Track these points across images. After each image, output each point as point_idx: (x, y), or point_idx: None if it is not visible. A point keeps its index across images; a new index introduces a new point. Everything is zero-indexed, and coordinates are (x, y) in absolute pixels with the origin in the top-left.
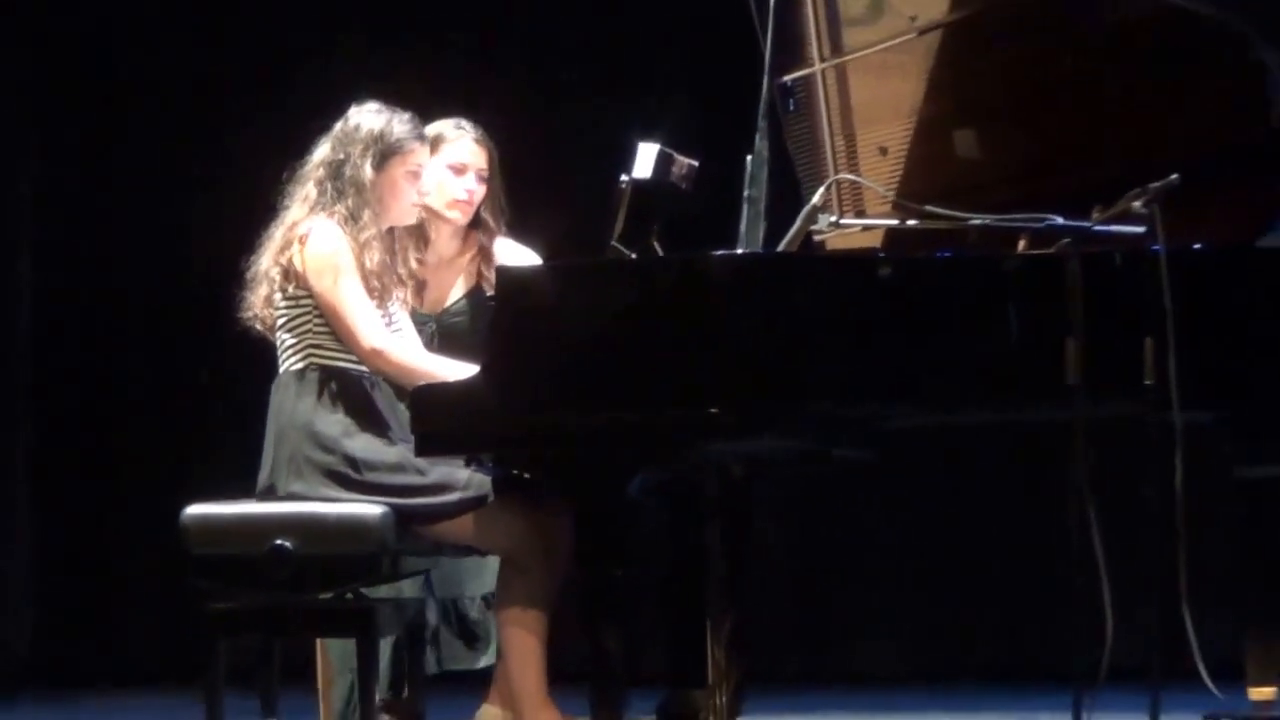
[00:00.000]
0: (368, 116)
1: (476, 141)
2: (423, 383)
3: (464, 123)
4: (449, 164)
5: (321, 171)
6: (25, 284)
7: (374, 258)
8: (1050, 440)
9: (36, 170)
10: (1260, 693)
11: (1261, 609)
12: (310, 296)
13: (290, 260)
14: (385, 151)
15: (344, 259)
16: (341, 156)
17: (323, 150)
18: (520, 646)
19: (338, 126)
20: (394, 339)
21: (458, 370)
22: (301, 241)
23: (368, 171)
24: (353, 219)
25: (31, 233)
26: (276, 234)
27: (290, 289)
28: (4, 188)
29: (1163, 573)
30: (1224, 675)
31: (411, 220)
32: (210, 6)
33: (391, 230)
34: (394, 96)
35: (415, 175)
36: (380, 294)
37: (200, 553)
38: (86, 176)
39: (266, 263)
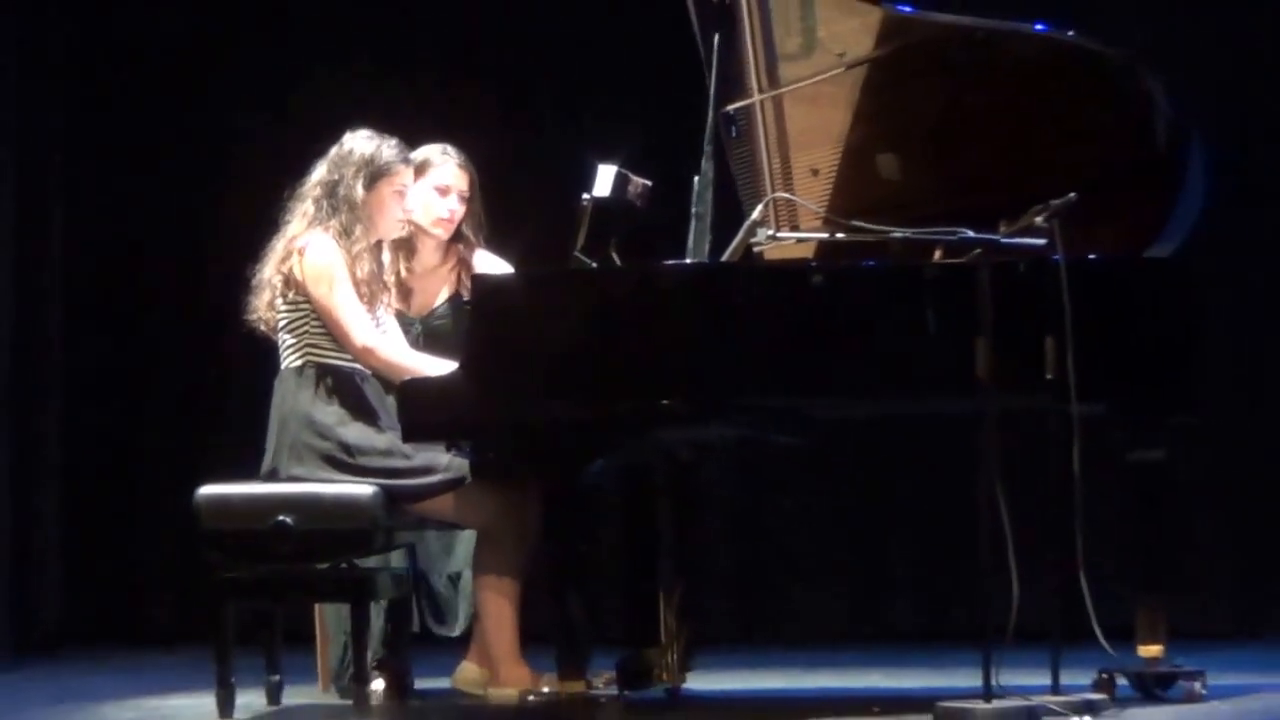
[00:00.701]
0: (360, 142)
1: (460, 166)
2: (408, 377)
3: (449, 149)
4: (435, 186)
5: (319, 190)
6: (57, 292)
7: (364, 267)
8: (963, 428)
9: (69, 189)
10: (1148, 650)
11: (1148, 577)
12: (308, 302)
13: (290, 270)
14: (375, 174)
15: (338, 269)
16: (336, 177)
17: (320, 172)
18: (495, 610)
19: (333, 151)
20: (383, 338)
21: (439, 366)
22: (300, 253)
23: (359, 191)
24: (346, 233)
25: (62, 244)
26: (278, 246)
27: (290, 295)
28: (37, 205)
29: (1063, 545)
30: (1117, 635)
31: (397, 234)
32: (223, 46)
33: (379, 243)
34: (383, 122)
35: (400, 194)
36: (369, 299)
37: (211, 528)
38: (113, 195)
39: (269, 272)
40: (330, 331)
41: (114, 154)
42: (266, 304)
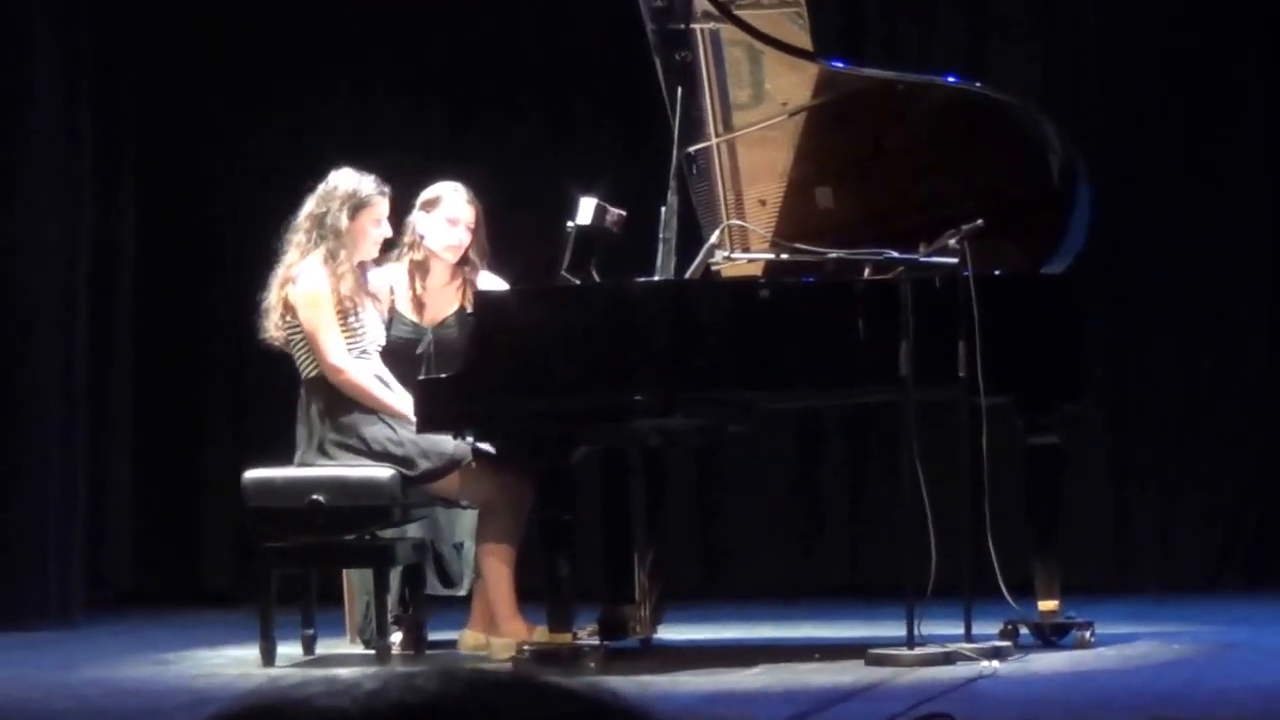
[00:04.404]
0: (343, 179)
1: (467, 201)
2: (365, 401)
3: (459, 186)
4: (446, 217)
5: (309, 222)
6: (128, 294)
7: (347, 285)
8: (888, 416)
9: (139, 203)
10: (1046, 604)
11: (1043, 541)
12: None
13: (286, 296)
14: (357, 205)
15: (322, 296)
16: (324, 210)
17: (309, 206)
18: (495, 573)
19: (320, 187)
20: (355, 363)
21: (396, 397)
22: (293, 282)
23: (344, 221)
24: (332, 257)
25: (134, 253)
26: (279, 273)
27: (289, 318)
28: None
29: (973, 514)
30: (1019, 591)
31: (376, 254)
32: (259, 87)
33: (363, 264)
34: (403, 161)
35: (378, 222)
36: (353, 308)
37: (257, 505)
38: (177, 210)
39: (273, 298)
40: (310, 348)
41: (181, 166)
42: (274, 325)
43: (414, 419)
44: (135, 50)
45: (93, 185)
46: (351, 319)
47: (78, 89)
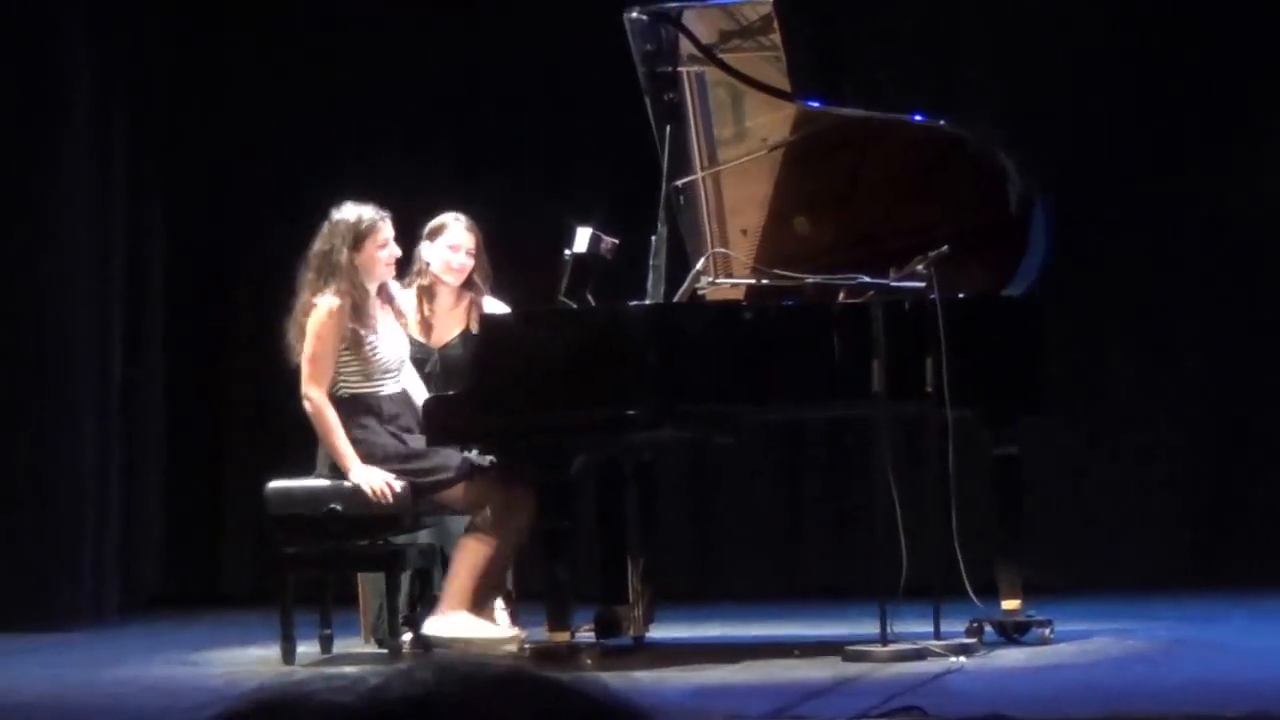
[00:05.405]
0: (344, 212)
1: (468, 229)
2: (319, 432)
3: (460, 215)
4: (449, 244)
5: (317, 260)
6: (156, 329)
7: (350, 314)
8: (862, 428)
9: (168, 230)
10: (1009, 604)
11: (1005, 543)
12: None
13: (303, 325)
14: (359, 236)
15: (325, 328)
16: (329, 246)
17: (317, 243)
18: (471, 554)
19: (325, 225)
20: (323, 398)
21: (345, 443)
22: (306, 315)
23: (345, 254)
24: (339, 291)
25: (163, 281)
26: (296, 307)
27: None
28: (138, 267)
29: (941, 519)
30: (984, 592)
31: (387, 277)
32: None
33: (382, 286)
34: (417, 193)
35: (384, 245)
36: (357, 339)
37: (277, 513)
38: (203, 236)
39: (293, 333)
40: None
41: (209, 185)
42: (298, 354)
43: (351, 467)
44: (167, 72)
45: (124, 202)
46: (362, 348)
47: (110, 109)
